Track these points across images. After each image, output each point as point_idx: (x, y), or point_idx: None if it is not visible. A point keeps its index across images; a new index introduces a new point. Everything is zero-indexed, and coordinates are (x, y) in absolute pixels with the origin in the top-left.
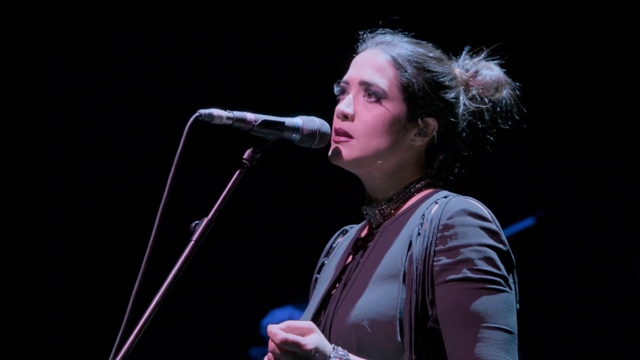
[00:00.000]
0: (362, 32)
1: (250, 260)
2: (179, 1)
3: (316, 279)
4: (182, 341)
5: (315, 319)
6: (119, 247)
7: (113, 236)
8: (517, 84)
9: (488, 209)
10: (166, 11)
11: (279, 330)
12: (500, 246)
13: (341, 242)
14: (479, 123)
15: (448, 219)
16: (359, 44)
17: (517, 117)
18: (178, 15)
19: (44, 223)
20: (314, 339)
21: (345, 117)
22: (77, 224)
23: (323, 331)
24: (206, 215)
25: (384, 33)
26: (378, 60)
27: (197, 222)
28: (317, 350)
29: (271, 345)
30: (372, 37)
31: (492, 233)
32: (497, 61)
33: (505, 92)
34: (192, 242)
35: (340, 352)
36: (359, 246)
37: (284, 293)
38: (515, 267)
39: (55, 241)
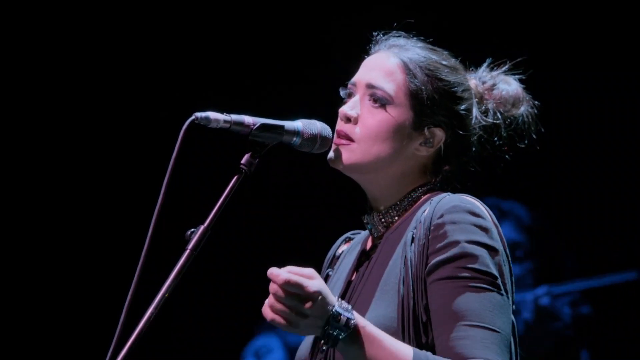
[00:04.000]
0: (376, 33)
1: (248, 268)
2: (178, 1)
3: None
4: (178, 348)
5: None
6: (117, 249)
7: (111, 238)
8: (537, 102)
9: (484, 205)
10: (166, 11)
11: (281, 271)
12: (491, 243)
13: (346, 252)
14: (493, 139)
15: (439, 218)
16: (372, 45)
17: (534, 135)
18: (178, 15)
19: (43, 223)
20: (317, 283)
21: (348, 119)
22: (76, 225)
23: (328, 349)
24: (202, 223)
25: (398, 36)
26: (388, 63)
27: (193, 230)
28: (319, 294)
29: (273, 287)
30: (385, 40)
31: (483, 229)
32: (517, 76)
33: (522, 109)
34: (187, 251)
35: (344, 305)
36: (363, 260)
37: None
38: (509, 265)
39: (54, 241)
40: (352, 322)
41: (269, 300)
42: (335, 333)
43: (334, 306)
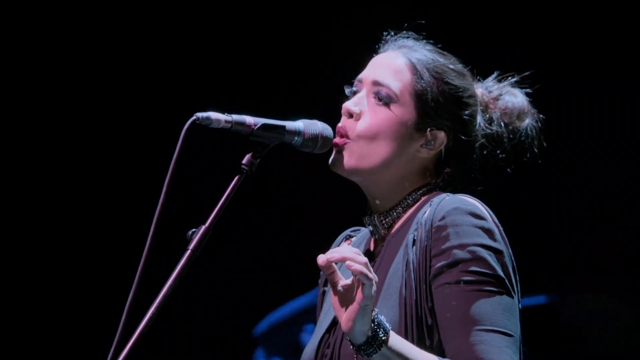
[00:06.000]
0: (386, 33)
1: (249, 268)
2: (179, 1)
3: (324, 292)
4: (181, 349)
5: (324, 339)
6: (118, 249)
7: (112, 239)
8: (542, 115)
9: (485, 206)
10: (167, 11)
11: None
12: (496, 245)
13: None
14: (496, 151)
15: (440, 220)
16: (381, 44)
17: (536, 150)
18: (178, 15)
19: (44, 224)
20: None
21: (350, 115)
22: (77, 225)
23: (332, 353)
24: (203, 223)
25: (407, 37)
26: (396, 62)
27: (194, 230)
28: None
29: (357, 266)
30: (394, 40)
31: (486, 231)
32: (524, 90)
33: (527, 122)
34: (188, 252)
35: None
36: None
37: (283, 300)
38: (513, 265)
39: (55, 242)
40: (389, 334)
41: (353, 279)
42: (381, 335)
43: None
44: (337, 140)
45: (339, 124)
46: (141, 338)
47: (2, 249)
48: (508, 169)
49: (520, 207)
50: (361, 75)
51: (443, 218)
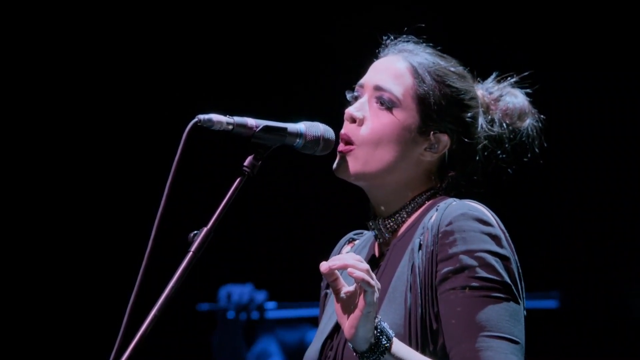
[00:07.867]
0: (386, 37)
1: (249, 270)
2: (180, 3)
3: (326, 294)
4: (181, 349)
5: (328, 343)
6: (120, 251)
7: (114, 240)
8: (542, 116)
9: (491, 212)
10: (168, 12)
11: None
12: (502, 251)
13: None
14: (497, 151)
15: (447, 225)
16: (381, 49)
17: (537, 150)
18: (180, 16)
19: (46, 225)
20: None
21: (353, 120)
22: (79, 227)
23: (335, 355)
24: (205, 225)
25: (407, 41)
26: (397, 66)
27: (195, 232)
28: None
29: (359, 273)
30: (395, 44)
31: (493, 237)
32: (524, 90)
33: (527, 122)
34: (190, 253)
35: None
36: (371, 268)
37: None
38: (519, 271)
39: (57, 243)
40: (392, 341)
41: (356, 287)
42: (384, 342)
43: (380, 318)
44: (341, 147)
45: (342, 131)
46: (143, 340)
47: (6, 252)
48: (509, 170)
49: (520, 207)
50: (362, 80)
51: (450, 223)
